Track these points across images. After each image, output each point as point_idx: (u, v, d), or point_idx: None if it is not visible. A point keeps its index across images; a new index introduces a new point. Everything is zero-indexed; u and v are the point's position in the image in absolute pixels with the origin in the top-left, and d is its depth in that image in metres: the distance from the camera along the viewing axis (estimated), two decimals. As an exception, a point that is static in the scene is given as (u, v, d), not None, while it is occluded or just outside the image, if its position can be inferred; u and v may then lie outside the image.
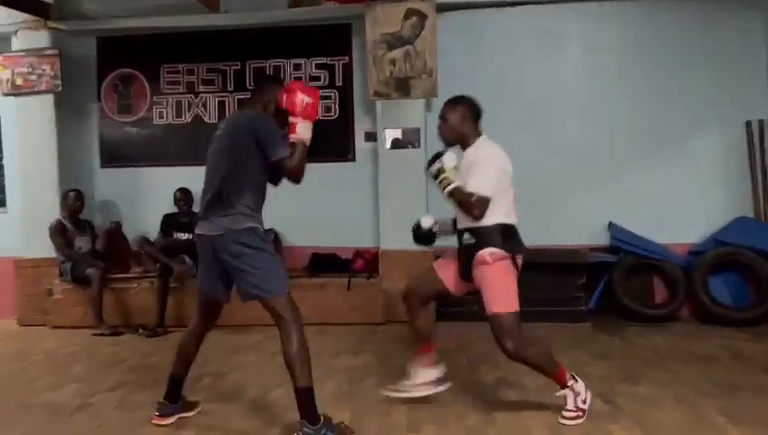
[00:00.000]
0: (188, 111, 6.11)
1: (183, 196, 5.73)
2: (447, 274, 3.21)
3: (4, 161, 6.23)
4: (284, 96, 2.82)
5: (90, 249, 5.70)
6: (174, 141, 6.13)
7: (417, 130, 5.48)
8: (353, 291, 5.39)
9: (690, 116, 5.50)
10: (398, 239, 5.45)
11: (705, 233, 5.46)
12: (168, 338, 5.06)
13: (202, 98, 6.08)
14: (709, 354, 4.20)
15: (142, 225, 5.95)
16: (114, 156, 6.26)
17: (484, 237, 3.00)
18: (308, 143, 2.83)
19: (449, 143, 3.21)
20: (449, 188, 3.01)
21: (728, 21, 5.46)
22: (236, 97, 6.00)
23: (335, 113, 5.91)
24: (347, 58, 5.90)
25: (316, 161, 5.66)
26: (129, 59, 6.16)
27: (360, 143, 5.88)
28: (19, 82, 5.88)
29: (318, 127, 6.25)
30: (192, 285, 5.40)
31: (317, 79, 5.89)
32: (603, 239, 5.55)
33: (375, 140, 5.66)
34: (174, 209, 5.78)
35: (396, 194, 5.48)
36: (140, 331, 5.26)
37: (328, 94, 5.87)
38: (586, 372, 3.76)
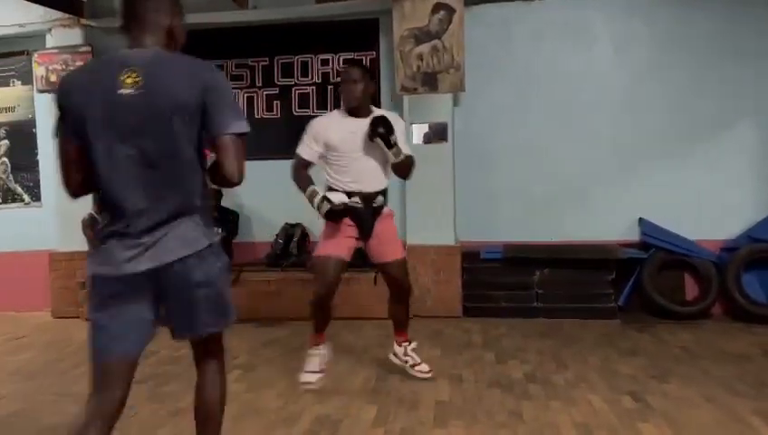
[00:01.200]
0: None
1: (213, 191, 5.79)
2: (342, 247, 3.38)
3: (39, 157, 6.38)
4: None
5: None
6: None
7: (445, 125, 5.46)
8: (380, 286, 5.38)
9: (723, 110, 5.38)
10: (425, 234, 5.46)
11: (738, 229, 5.36)
12: (198, 331, 5.12)
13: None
14: (742, 353, 4.12)
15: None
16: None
17: (385, 196, 3.50)
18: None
19: (352, 108, 3.39)
20: (403, 154, 3.33)
21: (764, 12, 5.33)
22: (264, 92, 6.04)
23: (362, 108, 5.91)
24: (374, 53, 5.89)
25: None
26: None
27: (388, 138, 5.87)
28: (53, 78, 5.99)
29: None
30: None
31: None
32: (633, 235, 5.47)
33: (402, 134, 5.65)
34: (203, 204, 5.85)
35: (423, 188, 5.47)
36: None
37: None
38: (615, 370, 3.73)
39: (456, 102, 5.53)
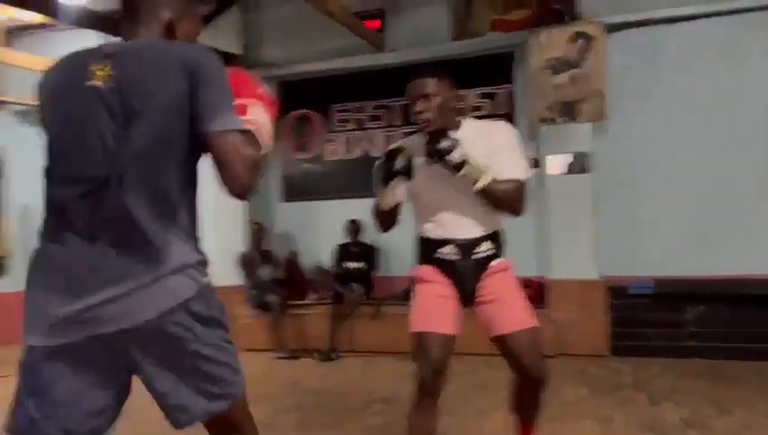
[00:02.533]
0: (358, 146, 6.42)
1: (353, 227, 6.02)
2: (444, 316, 2.37)
3: (198, 197, 6.94)
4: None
5: (271, 277, 6.14)
6: (344, 176, 6.46)
7: (585, 155, 5.29)
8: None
9: None
10: (567, 268, 5.28)
11: None
12: (341, 363, 5.28)
13: (370, 134, 6.36)
14: None
15: (317, 254, 6.31)
16: (293, 191, 6.74)
17: (502, 244, 2.47)
18: (263, 138, 1.55)
19: (431, 134, 2.32)
20: (485, 180, 2.25)
21: None
22: (403, 131, 6.21)
23: (499, 142, 5.87)
24: (510, 85, 5.87)
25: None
26: (304, 100, 6.63)
27: (525, 170, 5.77)
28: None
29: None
30: (362, 312, 5.61)
31: (480, 108, 5.92)
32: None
33: (539, 166, 5.55)
34: (345, 240, 6.08)
35: (563, 221, 5.31)
36: (316, 355, 5.55)
37: (491, 123, 5.87)
38: (789, 418, 3.35)
39: (597, 132, 5.35)
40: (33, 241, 1.50)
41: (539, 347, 2.38)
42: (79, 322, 1.34)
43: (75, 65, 1.49)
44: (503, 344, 2.34)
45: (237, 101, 1.50)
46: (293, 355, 5.60)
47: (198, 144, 1.44)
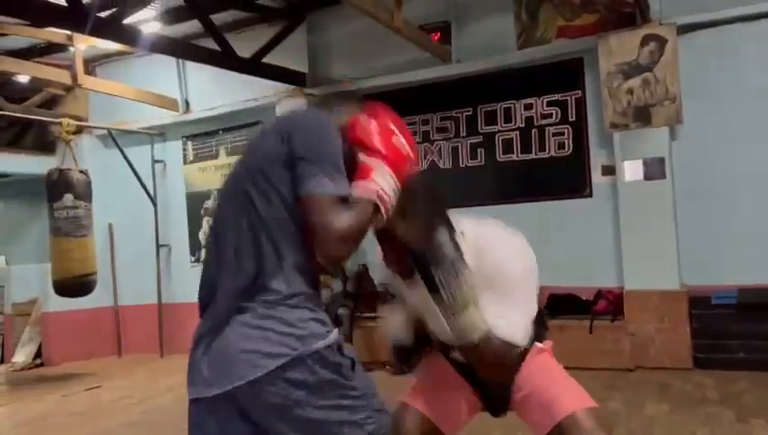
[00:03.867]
0: (425, 158, 6.43)
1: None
2: (446, 405, 1.92)
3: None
4: (358, 122, 1.51)
5: (341, 290, 6.20)
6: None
7: (662, 160, 5.11)
8: (596, 334, 5.11)
9: None
10: (645, 278, 5.10)
11: None
12: (413, 375, 5.25)
13: (437, 145, 6.36)
14: None
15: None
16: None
17: (539, 325, 1.92)
18: (384, 207, 1.44)
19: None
20: (480, 329, 1.65)
21: None
22: (469, 142, 6.17)
23: (569, 149, 5.76)
24: (579, 92, 5.74)
25: (550, 199, 5.69)
26: (371, 115, 6.70)
27: (597, 178, 5.63)
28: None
29: (552, 163, 6.19)
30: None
31: (549, 116, 5.82)
32: None
33: (613, 173, 5.39)
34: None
35: (640, 229, 5.14)
36: (388, 368, 5.55)
37: (561, 130, 5.77)
38: None
39: (673, 136, 5.16)
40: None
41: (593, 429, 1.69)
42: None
43: None
44: None
45: (363, 160, 1.45)
46: (366, 368, 5.61)
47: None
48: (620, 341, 5.05)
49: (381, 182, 1.43)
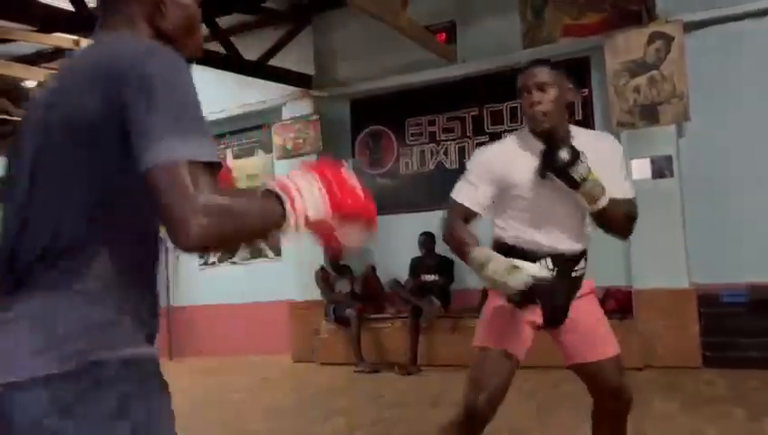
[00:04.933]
0: (431, 159, 6.43)
1: (428, 239, 6.01)
2: (519, 339, 2.13)
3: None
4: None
5: (349, 292, 6.21)
6: (419, 189, 6.48)
7: (669, 158, 5.09)
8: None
9: None
10: (653, 276, 5.08)
11: None
12: (421, 376, 5.27)
13: (443, 146, 6.36)
14: None
15: (393, 268, 6.33)
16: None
17: (586, 261, 2.21)
18: (295, 217, 1.03)
19: (546, 132, 2.07)
20: (604, 201, 2.00)
21: None
22: (476, 141, 6.16)
23: (576, 148, 5.74)
24: (586, 91, 5.73)
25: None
26: (377, 117, 6.71)
27: (605, 177, 5.61)
28: (289, 146, 6.73)
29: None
30: (440, 325, 5.59)
31: (555, 115, 5.81)
32: None
33: (621, 172, 5.38)
34: (420, 253, 6.08)
35: (648, 227, 5.10)
36: (396, 369, 5.56)
37: (567, 130, 5.76)
38: None
39: (680, 134, 5.14)
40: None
41: (624, 371, 2.23)
42: None
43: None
44: (589, 371, 2.18)
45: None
46: (373, 369, 5.62)
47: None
48: (629, 340, 5.01)
49: (301, 184, 1.05)
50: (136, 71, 0.96)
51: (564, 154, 1.95)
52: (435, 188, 6.23)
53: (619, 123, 5.15)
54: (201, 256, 7.44)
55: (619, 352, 2.19)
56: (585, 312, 2.17)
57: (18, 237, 1.05)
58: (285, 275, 6.86)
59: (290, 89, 6.68)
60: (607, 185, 1.99)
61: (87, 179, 1.01)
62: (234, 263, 7.47)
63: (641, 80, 5.07)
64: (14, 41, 6.06)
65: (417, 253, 6.10)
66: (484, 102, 6.15)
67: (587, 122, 5.70)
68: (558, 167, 1.95)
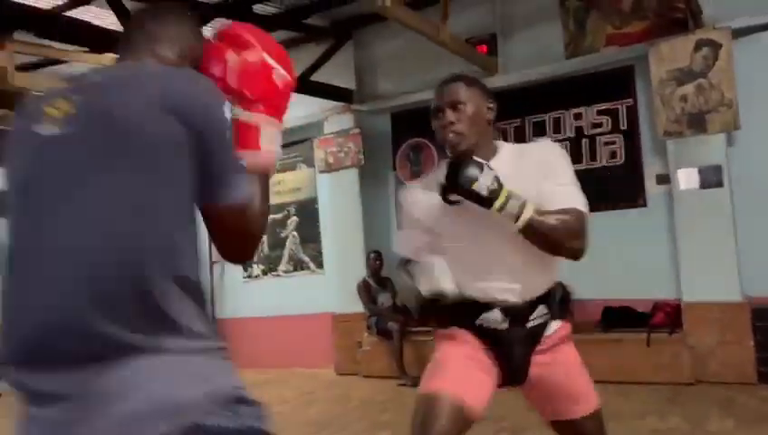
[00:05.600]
0: (473, 170, 6.39)
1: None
2: (472, 384, 1.80)
3: (321, 230, 7.21)
4: (222, 60, 1.18)
5: (391, 304, 6.20)
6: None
7: (719, 168, 4.96)
8: (654, 347, 4.96)
9: None
10: (703, 290, 4.94)
11: None
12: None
13: (485, 157, 6.31)
14: None
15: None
16: (409, 218, 6.81)
17: (554, 303, 1.91)
18: (273, 171, 1.23)
19: (460, 151, 1.81)
20: (528, 213, 1.68)
21: None
22: (518, 153, 6.10)
23: (621, 158, 5.65)
24: (631, 100, 5.64)
25: (604, 209, 5.57)
26: (418, 129, 6.69)
27: (652, 187, 5.50)
28: (330, 160, 6.80)
29: (604, 173, 6.06)
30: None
31: (599, 126, 5.73)
32: None
33: (668, 182, 5.26)
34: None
35: (698, 239, 4.99)
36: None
37: (612, 140, 5.66)
38: None
39: (730, 142, 5.00)
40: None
41: (604, 426, 1.92)
42: None
43: (28, 109, 1.12)
44: (566, 430, 1.90)
45: (241, 117, 1.15)
46: (416, 383, 5.58)
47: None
48: (679, 354, 4.89)
49: (270, 148, 1.21)
50: (214, 113, 1.06)
51: (466, 169, 1.67)
52: (477, 201, 6.21)
53: (666, 132, 5.05)
54: (246, 268, 7.56)
55: (599, 406, 1.89)
56: (561, 363, 1.87)
57: (82, 287, 0.95)
58: (328, 288, 6.90)
59: (331, 103, 6.76)
60: (534, 197, 1.71)
61: (169, 210, 1.03)
62: (277, 275, 7.55)
63: (688, 88, 4.96)
64: (67, 61, 6.28)
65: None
66: (527, 114, 6.10)
67: (632, 132, 5.60)
68: (459, 184, 1.67)
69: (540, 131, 6.01)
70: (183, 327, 0.99)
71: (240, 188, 1.08)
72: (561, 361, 1.87)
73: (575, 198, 1.78)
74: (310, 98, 6.48)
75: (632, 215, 5.55)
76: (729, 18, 4.90)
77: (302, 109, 6.90)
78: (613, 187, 5.59)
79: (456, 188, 1.69)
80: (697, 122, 4.92)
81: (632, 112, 5.61)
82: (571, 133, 5.87)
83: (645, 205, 5.53)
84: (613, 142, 5.66)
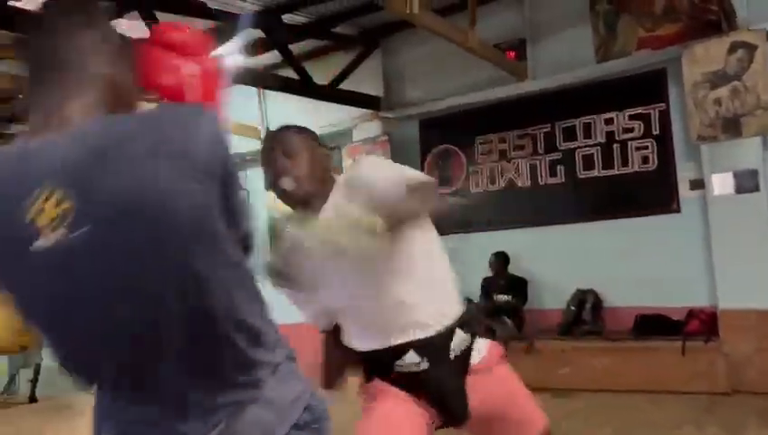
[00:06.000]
0: (501, 177, 6.36)
1: (498, 260, 5.93)
2: None
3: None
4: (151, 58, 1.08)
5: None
6: (489, 207, 6.41)
7: (755, 172, 4.85)
8: (689, 356, 4.85)
9: None
10: (740, 296, 4.83)
11: None
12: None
13: (514, 163, 6.28)
14: None
15: (464, 288, 6.27)
16: (438, 225, 6.78)
17: (471, 320, 1.77)
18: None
19: (299, 201, 1.66)
20: (371, 216, 1.35)
21: None
22: (547, 158, 6.06)
23: (654, 163, 5.56)
24: (663, 105, 5.55)
25: (636, 215, 5.50)
26: (446, 136, 6.71)
27: (685, 192, 5.40)
28: (359, 167, 6.82)
29: (636, 179, 5.98)
30: (514, 347, 5.48)
31: (631, 130, 5.65)
32: None
33: (702, 187, 5.16)
34: (492, 273, 6.00)
35: (733, 245, 4.88)
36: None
37: (644, 144, 5.58)
38: None
39: (766, 146, 4.89)
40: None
41: None
42: None
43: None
44: None
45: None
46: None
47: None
48: (715, 363, 4.78)
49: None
50: (223, 156, 0.93)
51: (270, 260, 1.43)
52: (505, 207, 6.16)
53: (700, 137, 4.96)
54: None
55: (547, 422, 1.77)
56: (498, 390, 1.73)
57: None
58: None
59: (359, 111, 6.79)
60: (382, 194, 1.51)
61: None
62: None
63: (722, 91, 4.87)
64: None
65: (487, 272, 6.03)
66: (556, 119, 6.05)
67: (664, 137, 5.52)
68: (271, 275, 1.42)
69: (570, 137, 5.96)
70: None
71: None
72: (501, 382, 1.74)
73: (400, 178, 1.60)
74: (338, 106, 6.52)
75: (665, 221, 5.45)
76: (764, 20, 4.80)
77: (330, 117, 6.96)
78: (646, 192, 5.51)
79: (276, 275, 1.44)
80: (732, 126, 4.82)
81: (665, 117, 5.52)
82: (601, 139, 5.80)
83: (678, 210, 5.42)
84: (645, 147, 5.58)
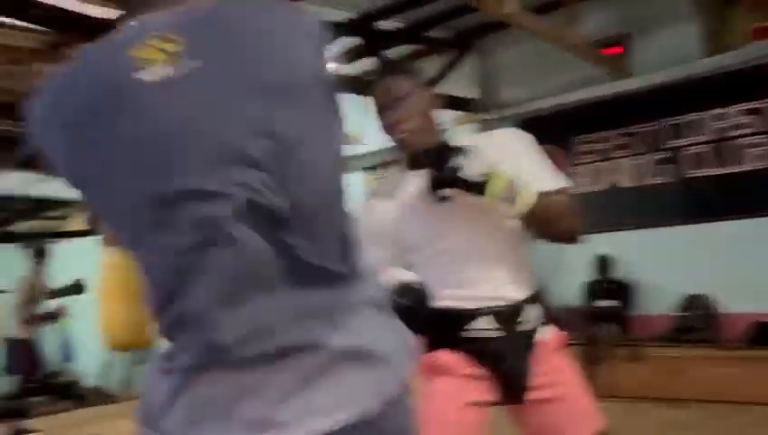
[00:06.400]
0: (603, 177, 6.16)
1: (603, 262, 5.76)
2: (459, 430, 1.58)
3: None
4: None
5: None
6: (591, 209, 6.21)
7: None
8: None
9: None
10: None
11: None
12: (599, 409, 5.01)
13: (616, 163, 6.07)
14: None
15: (564, 293, 6.12)
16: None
17: (542, 306, 1.71)
18: None
19: (414, 153, 1.66)
20: (530, 194, 1.50)
21: None
22: (655, 157, 5.81)
23: (769, 161, 5.22)
24: (780, 99, 5.20)
25: (752, 215, 5.17)
26: (544, 136, 6.52)
27: (806, 191, 5.03)
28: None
29: (750, 177, 5.69)
30: (619, 353, 5.29)
31: (744, 126, 5.32)
32: None
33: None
34: (594, 276, 5.82)
35: None
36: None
37: (759, 142, 5.25)
38: None
39: None
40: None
41: None
42: None
43: (101, 65, 0.82)
44: None
45: None
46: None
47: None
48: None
49: None
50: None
51: (450, 159, 1.46)
52: (608, 208, 5.96)
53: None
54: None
55: (604, 425, 1.70)
56: (559, 376, 1.67)
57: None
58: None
59: (454, 114, 6.79)
60: (530, 179, 1.54)
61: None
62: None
63: None
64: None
65: (588, 276, 5.86)
66: (661, 116, 5.80)
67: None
68: (444, 176, 1.45)
69: (676, 134, 5.69)
70: None
71: None
72: (561, 373, 1.68)
73: (558, 178, 1.66)
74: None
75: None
76: None
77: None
78: (760, 192, 5.18)
79: (442, 181, 1.47)
80: None
81: (783, 112, 5.17)
82: (711, 136, 5.50)
83: (797, 211, 5.06)
84: (760, 144, 5.24)
